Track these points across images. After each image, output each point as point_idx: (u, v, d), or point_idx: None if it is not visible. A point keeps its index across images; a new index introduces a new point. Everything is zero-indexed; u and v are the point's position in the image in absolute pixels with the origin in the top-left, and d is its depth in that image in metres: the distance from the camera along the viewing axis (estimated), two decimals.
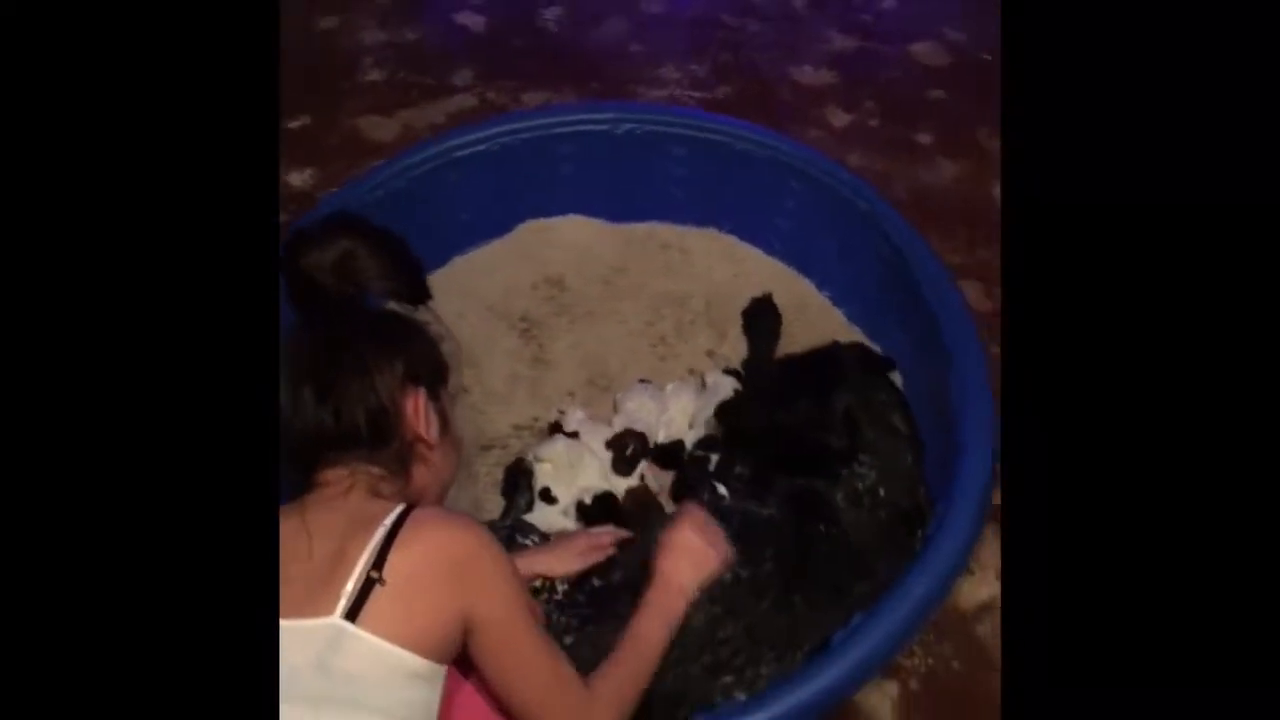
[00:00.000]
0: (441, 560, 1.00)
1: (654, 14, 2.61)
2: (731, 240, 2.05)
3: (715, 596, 1.35)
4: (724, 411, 1.60)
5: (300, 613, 0.94)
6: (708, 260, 2.03)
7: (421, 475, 1.13)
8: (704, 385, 1.74)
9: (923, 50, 2.48)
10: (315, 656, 0.93)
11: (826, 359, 1.67)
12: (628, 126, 1.98)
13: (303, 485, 1.09)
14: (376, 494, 1.07)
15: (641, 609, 1.23)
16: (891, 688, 1.51)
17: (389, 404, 1.09)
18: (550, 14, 2.63)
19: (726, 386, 1.72)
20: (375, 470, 1.08)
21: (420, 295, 1.24)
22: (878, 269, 1.83)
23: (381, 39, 2.58)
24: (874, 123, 2.31)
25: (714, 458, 1.62)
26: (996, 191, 2.14)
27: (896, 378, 1.69)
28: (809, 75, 2.48)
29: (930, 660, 1.54)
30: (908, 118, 2.32)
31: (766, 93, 2.37)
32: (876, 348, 1.82)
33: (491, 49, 2.49)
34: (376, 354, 1.09)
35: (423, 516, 1.02)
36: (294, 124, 2.33)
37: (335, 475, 1.07)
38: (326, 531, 1.01)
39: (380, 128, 2.33)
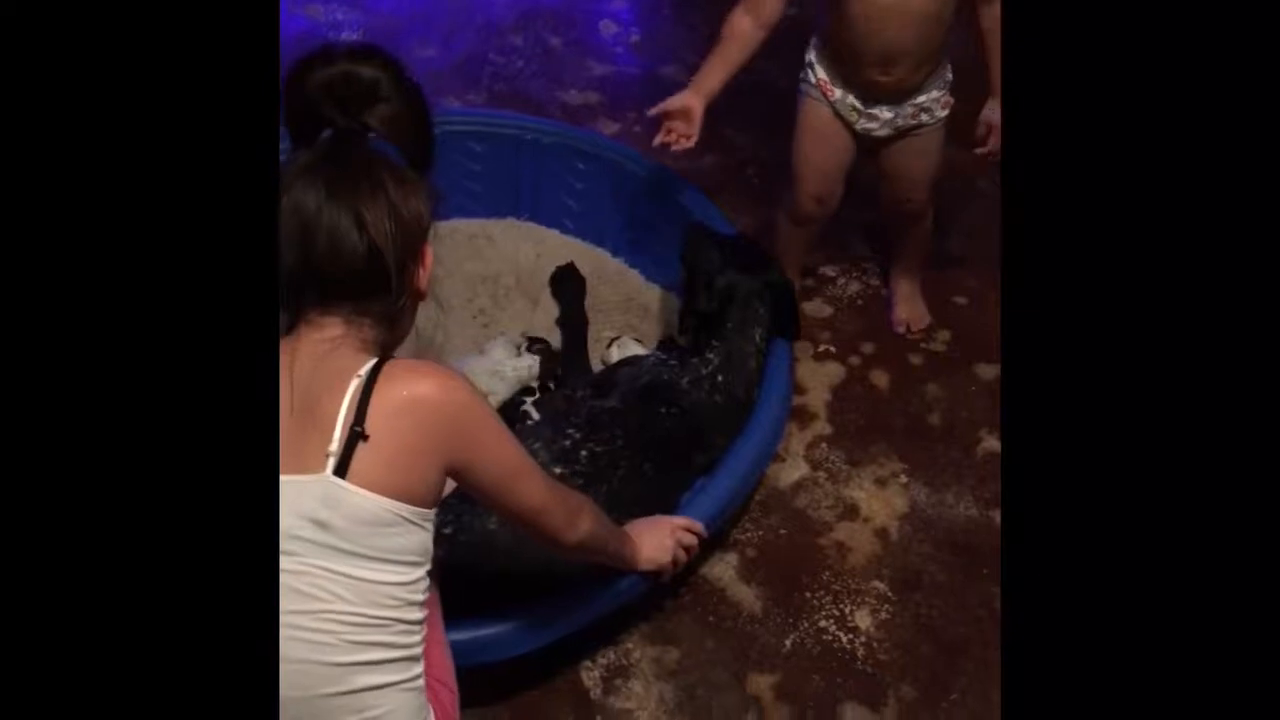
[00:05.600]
0: (420, 411, 1.01)
1: (428, 56, 2.84)
2: (530, 225, 2.26)
3: (577, 470, 1.52)
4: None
5: (289, 468, 0.96)
6: (513, 244, 2.22)
7: (398, 330, 1.12)
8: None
9: (670, 71, 2.84)
10: (311, 510, 0.97)
11: (761, 257, 1.82)
12: None
13: (289, 321, 1.05)
14: (361, 348, 1.05)
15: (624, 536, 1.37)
16: (732, 558, 1.72)
17: (415, 250, 1.07)
18: None
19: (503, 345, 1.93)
20: (366, 321, 1.06)
21: (426, 163, 1.15)
22: (665, 229, 2.10)
23: None
24: (638, 129, 2.62)
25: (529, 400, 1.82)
26: (750, 171, 2.50)
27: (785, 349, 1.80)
28: (575, 96, 2.77)
29: (761, 532, 1.77)
30: None
31: (541, 113, 2.63)
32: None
33: None
34: (409, 197, 1.05)
35: (397, 368, 1.02)
36: None
37: (328, 322, 1.04)
38: (308, 383, 1.01)
39: None
